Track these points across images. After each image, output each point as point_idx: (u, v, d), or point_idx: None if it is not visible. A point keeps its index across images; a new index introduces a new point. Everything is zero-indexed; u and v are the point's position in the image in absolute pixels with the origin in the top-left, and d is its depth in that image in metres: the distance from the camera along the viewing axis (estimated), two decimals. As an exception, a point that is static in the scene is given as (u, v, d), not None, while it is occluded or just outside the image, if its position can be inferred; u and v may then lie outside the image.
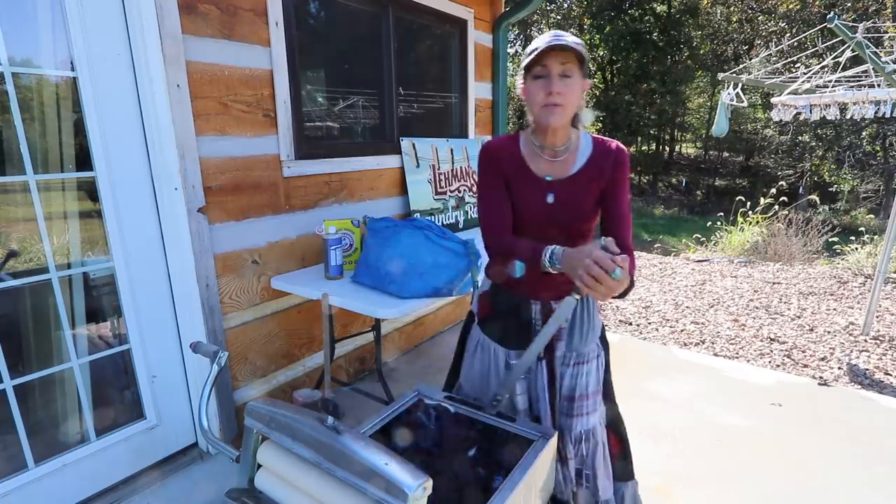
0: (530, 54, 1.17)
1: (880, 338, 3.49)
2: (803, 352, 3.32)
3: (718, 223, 7.23)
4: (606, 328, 3.74)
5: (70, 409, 1.79)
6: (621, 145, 1.30)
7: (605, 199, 1.29)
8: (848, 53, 3.71)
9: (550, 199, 1.29)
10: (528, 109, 1.26)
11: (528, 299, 1.38)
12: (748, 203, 6.99)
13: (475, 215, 3.31)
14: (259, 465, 0.98)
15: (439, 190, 3.05)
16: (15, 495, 1.64)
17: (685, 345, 3.49)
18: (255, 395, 2.26)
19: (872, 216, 12.33)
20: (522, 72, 1.23)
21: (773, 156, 17.11)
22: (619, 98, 18.81)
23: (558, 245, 1.16)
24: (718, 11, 17.52)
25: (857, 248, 5.94)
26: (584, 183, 1.27)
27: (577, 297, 1.10)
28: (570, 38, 1.16)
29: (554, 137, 1.27)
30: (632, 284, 1.12)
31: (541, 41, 1.16)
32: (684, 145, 25.10)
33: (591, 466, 1.39)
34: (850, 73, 3.95)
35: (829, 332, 3.61)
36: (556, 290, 1.33)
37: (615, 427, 1.48)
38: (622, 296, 1.12)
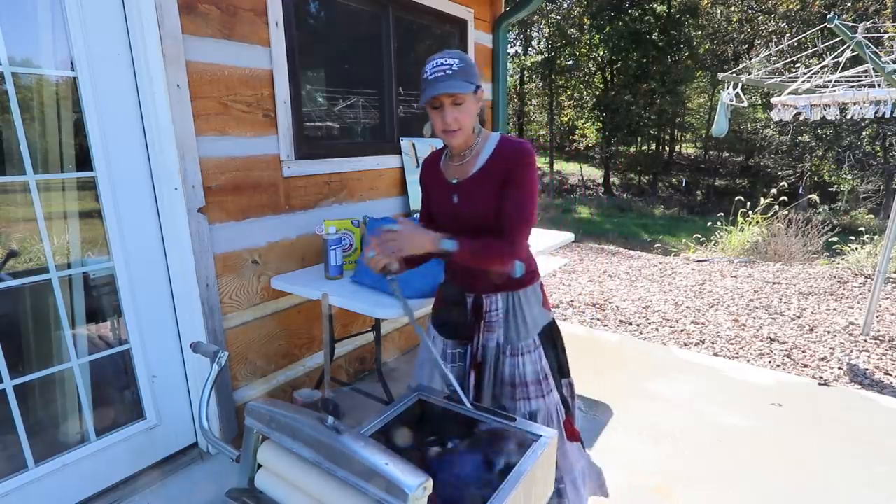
0: (422, 88, 1.28)
1: (880, 338, 3.49)
2: (803, 352, 3.32)
3: (718, 223, 7.23)
4: (606, 328, 3.77)
5: (70, 409, 1.79)
6: (525, 144, 1.34)
7: (500, 195, 1.34)
8: (848, 53, 3.71)
9: (455, 199, 1.40)
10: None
11: (462, 292, 1.49)
12: (748, 203, 6.99)
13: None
14: (259, 465, 0.98)
15: (439, 190, 3.05)
16: (15, 495, 1.64)
17: (685, 345, 3.49)
18: (255, 395, 2.26)
19: (872, 216, 12.33)
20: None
21: (773, 156, 17.12)
22: (619, 98, 18.82)
23: None
24: (718, 11, 17.53)
25: (857, 248, 5.94)
26: (481, 182, 1.35)
27: (390, 276, 1.28)
28: (452, 65, 1.24)
29: (458, 147, 1.39)
30: (479, 255, 1.29)
31: (429, 75, 1.26)
32: (684, 145, 25.11)
33: None
34: (850, 73, 3.95)
35: (829, 332, 3.61)
36: (486, 283, 1.43)
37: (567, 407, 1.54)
38: (479, 262, 1.32)
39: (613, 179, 21.37)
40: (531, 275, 1.47)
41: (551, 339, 1.51)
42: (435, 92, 1.24)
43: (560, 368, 1.53)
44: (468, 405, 1.22)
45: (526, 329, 1.45)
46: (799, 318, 3.94)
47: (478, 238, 1.30)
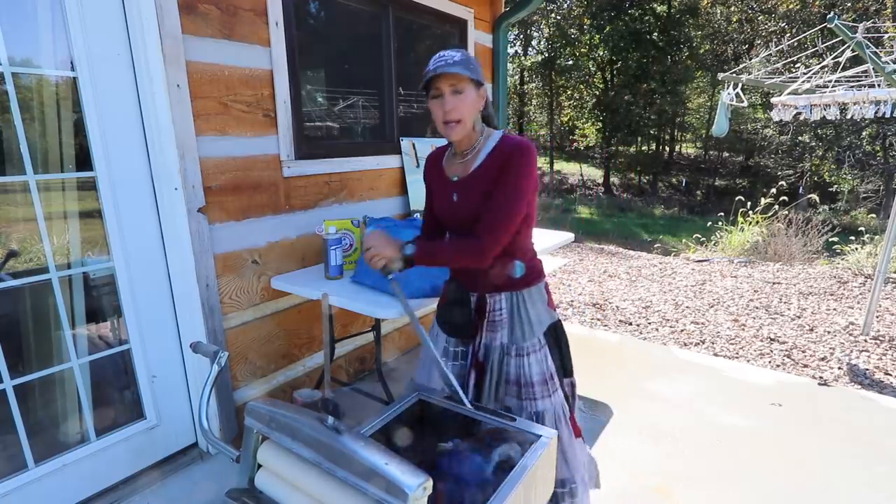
0: (424, 78, 1.31)
1: (880, 338, 3.49)
2: (803, 352, 3.32)
3: (718, 223, 7.23)
4: (606, 328, 3.77)
5: (70, 409, 1.79)
6: (524, 142, 1.32)
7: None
8: (848, 53, 3.71)
9: (455, 197, 1.40)
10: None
11: (466, 291, 1.49)
12: (748, 203, 6.99)
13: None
14: (259, 465, 0.98)
15: (439, 190, 3.05)
16: (15, 495, 1.64)
17: (685, 345, 3.49)
18: (255, 395, 2.26)
19: (872, 216, 12.32)
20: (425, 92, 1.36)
21: (773, 156, 17.12)
22: (619, 98, 18.82)
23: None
24: (718, 11, 17.53)
25: (857, 248, 5.94)
26: (479, 179, 1.35)
27: (389, 276, 1.32)
28: (454, 56, 1.28)
29: (460, 144, 1.40)
30: (440, 254, 1.36)
31: (431, 65, 1.30)
32: (684, 145, 25.11)
33: None
34: (850, 73, 3.95)
35: (829, 332, 3.61)
36: (490, 282, 1.42)
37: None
38: (446, 261, 1.39)
39: (613, 179, 21.37)
40: (535, 274, 1.46)
41: (556, 338, 1.50)
42: (432, 73, 1.27)
43: (564, 368, 1.52)
44: (467, 405, 1.22)
45: (531, 329, 1.44)
46: (799, 318, 3.94)
47: (443, 240, 1.32)
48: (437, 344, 1.56)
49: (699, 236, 7.67)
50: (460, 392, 1.23)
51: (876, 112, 3.36)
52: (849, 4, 12.58)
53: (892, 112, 3.27)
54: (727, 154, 21.75)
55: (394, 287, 1.34)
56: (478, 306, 1.47)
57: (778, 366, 3.13)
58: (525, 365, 1.44)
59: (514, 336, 1.45)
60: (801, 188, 14.54)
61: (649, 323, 3.93)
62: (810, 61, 8.10)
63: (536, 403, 1.43)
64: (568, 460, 1.46)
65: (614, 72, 20.00)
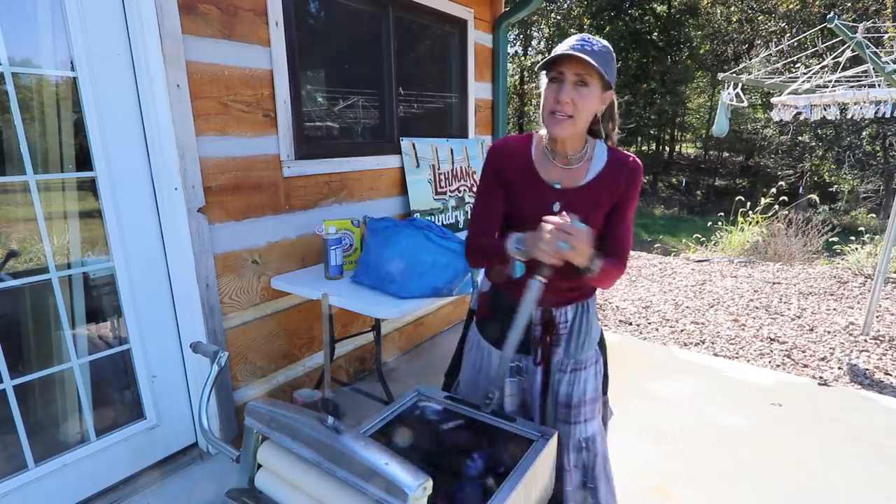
0: (549, 55, 1.13)
1: (880, 338, 3.49)
2: (803, 352, 3.32)
3: (718, 223, 7.23)
4: (606, 328, 3.77)
5: (70, 409, 1.79)
6: (637, 159, 1.24)
7: (612, 212, 1.25)
8: (848, 53, 3.71)
9: (556, 207, 1.23)
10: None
11: (515, 304, 1.34)
12: (748, 203, 6.99)
13: (475, 215, 3.31)
14: (259, 465, 0.98)
15: (439, 190, 3.05)
16: (15, 495, 1.64)
17: (685, 345, 3.49)
18: (255, 395, 2.26)
19: (873, 216, 12.32)
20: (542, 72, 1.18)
21: (773, 156, 17.12)
22: (619, 98, 18.80)
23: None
24: (718, 11, 17.52)
25: (857, 248, 5.94)
26: (595, 194, 1.22)
27: (543, 278, 1.10)
28: (595, 45, 1.10)
29: (564, 146, 1.22)
30: (606, 277, 1.18)
31: (565, 44, 1.11)
32: (684, 145, 25.11)
33: (592, 478, 1.35)
34: (850, 73, 3.95)
35: (829, 332, 3.61)
36: (557, 294, 1.28)
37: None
38: (599, 282, 1.21)
39: (613, 179, 21.34)
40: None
41: (603, 350, 1.43)
42: (563, 52, 1.07)
43: (605, 383, 1.44)
44: (537, 422, 1.20)
45: (590, 339, 1.34)
46: (799, 318, 3.94)
47: (606, 258, 1.15)
48: (488, 359, 1.40)
49: (699, 236, 7.67)
50: (533, 409, 1.20)
51: (876, 112, 3.36)
52: (849, 4, 12.58)
53: (892, 112, 3.27)
54: (727, 154, 21.75)
55: (533, 292, 1.12)
56: (545, 321, 1.31)
57: (778, 366, 3.13)
58: (581, 381, 1.33)
59: (571, 349, 1.32)
60: (801, 188, 14.54)
61: (649, 323, 3.93)
62: (810, 61, 8.10)
63: (586, 427, 1.33)
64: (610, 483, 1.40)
65: (614, 72, 19.98)
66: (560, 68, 1.10)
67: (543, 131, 1.26)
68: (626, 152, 1.26)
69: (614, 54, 1.16)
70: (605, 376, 1.45)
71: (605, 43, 1.13)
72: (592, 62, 1.06)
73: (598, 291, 4.76)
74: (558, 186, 1.23)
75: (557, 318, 1.31)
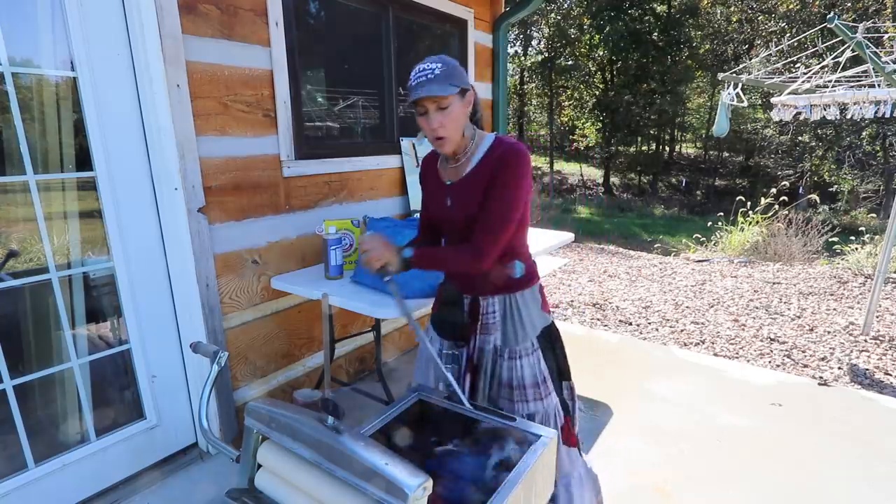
0: (408, 93, 1.27)
1: (880, 338, 3.49)
2: (803, 352, 3.32)
3: (718, 223, 7.23)
4: (606, 328, 3.77)
5: (70, 409, 1.79)
6: (517, 145, 1.30)
7: (483, 195, 1.31)
8: (848, 53, 3.71)
9: (448, 202, 1.39)
10: None
11: (460, 293, 1.48)
12: (748, 203, 6.99)
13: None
14: (259, 465, 0.98)
15: (439, 190, 3.05)
16: (15, 495, 1.64)
17: (685, 345, 3.49)
18: (255, 395, 2.26)
19: (873, 216, 12.33)
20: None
21: (773, 156, 17.12)
22: (619, 98, 18.82)
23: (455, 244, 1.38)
24: (718, 11, 17.51)
25: (857, 248, 5.94)
26: (472, 184, 1.33)
27: (384, 277, 1.33)
28: (432, 70, 1.22)
29: (448, 153, 1.38)
30: (432, 263, 1.40)
31: (412, 82, 1.25)
32: (684, 145, 25.11)
33: None
34: (850, 73, 3.95)
35: (829, 332, 3.61)
36: (484, 284, 1.42)
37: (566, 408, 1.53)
38: (436, 269, 1.52)
39: (613, 179, 21.37)
40: (530, 277, 1.46)
41: (550, 341, 1.49)
42: (415, 96, 1.23)
43: (560, 371, 1.51)
44: (466, 404, 1.22)
45: (524, 331, 1.44)
46: (799, 318, 3.94)
47: (440, 246, 1.31)
48: (433, 346, 1.56)
49: (699, 236, 7.67)
50: (458, 391, 1.22)
51: (876, 112, 3.36)
52: (849, 4, 12.58)
53: (892, 112, 3.27)
54: (727, 154, 21.76)
55: (391, 288, 1.35)
56: (471, 308, 1.46)
57: (778, 366, 3.13)
58: (517, 368, 1.43)
59: (507, 339, 1.44)
60: (801, 188, 14.54)
61: (649, 323, 3.93)
62: (810, 61, 8.10)
63: (528, 405, 1.44)
64: None
65: (614, 72, 20.00)
66: (422, 103, 1.26)
67: None
68: (510, 139, 1.34)
69: (454, 61, 1.28)
70: (560, 365, 1.52)
71: (441, 58, 1.26)
72: (438, 93, 1.21)
73: (593, 291, 4.77)
74: (449, 183, 1.40)
75: (484, 307, 1.44)
